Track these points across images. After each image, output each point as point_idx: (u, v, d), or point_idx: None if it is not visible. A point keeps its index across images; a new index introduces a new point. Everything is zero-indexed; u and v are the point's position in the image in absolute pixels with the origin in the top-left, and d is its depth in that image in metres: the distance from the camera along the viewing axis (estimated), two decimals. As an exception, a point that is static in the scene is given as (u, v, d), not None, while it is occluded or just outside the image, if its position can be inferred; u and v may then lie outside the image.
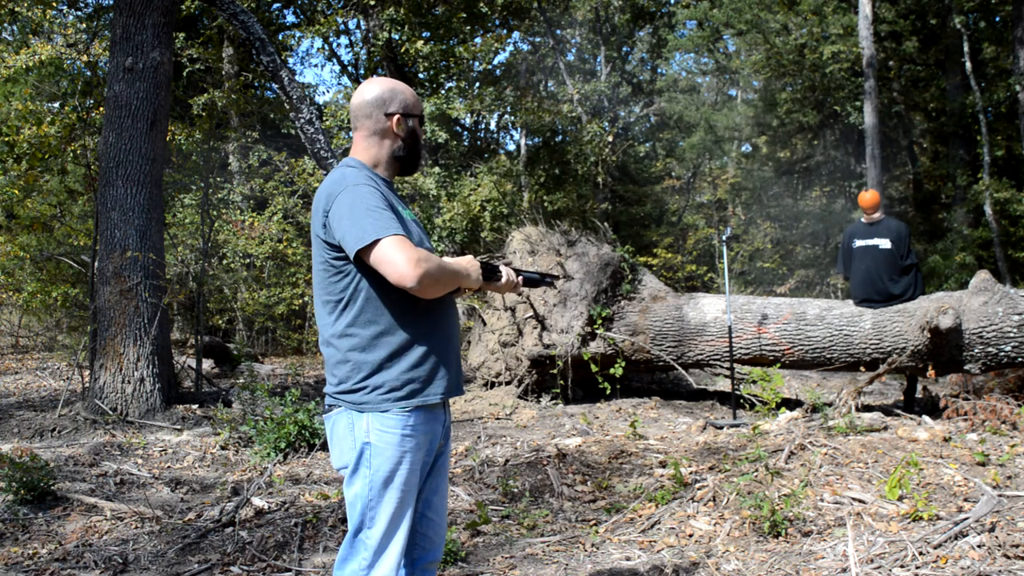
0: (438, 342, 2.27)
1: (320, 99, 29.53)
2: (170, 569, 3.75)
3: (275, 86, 8.13)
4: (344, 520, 4.24)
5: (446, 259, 2.23)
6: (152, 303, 7.05)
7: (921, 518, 3.82)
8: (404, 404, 2.20)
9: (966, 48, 14.07)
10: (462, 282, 2.27)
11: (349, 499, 2.24)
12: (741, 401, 7.35)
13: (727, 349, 7.49)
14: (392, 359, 2.21)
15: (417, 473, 2.25)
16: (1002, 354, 6.63)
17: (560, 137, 19.96)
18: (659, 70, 23.58)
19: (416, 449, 2.22)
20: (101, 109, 8.89)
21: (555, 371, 7.89)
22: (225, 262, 13.71)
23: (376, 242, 2.10)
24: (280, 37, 16.20)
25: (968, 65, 14.06)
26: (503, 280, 2.41)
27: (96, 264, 7.56)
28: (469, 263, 2.32)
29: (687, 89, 24.08)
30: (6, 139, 9.76)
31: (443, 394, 2.27)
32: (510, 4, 16.79)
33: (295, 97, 7.47)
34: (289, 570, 3.72)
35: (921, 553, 3.44)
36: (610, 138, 18.92)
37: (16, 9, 11.11)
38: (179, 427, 6.68)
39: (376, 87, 2.35)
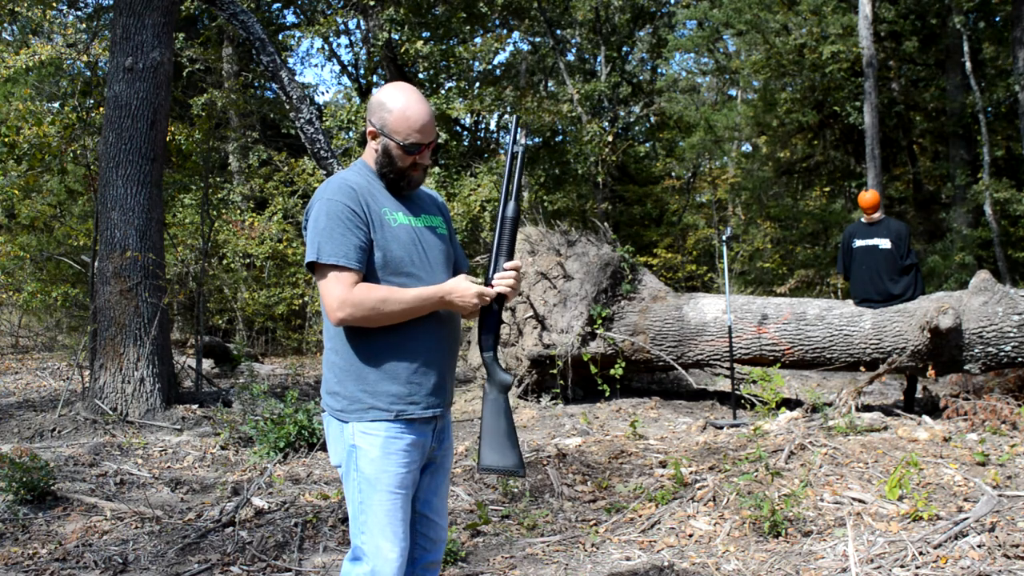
0: (417, 356, 2.21)
1: (320, 99, 29.56)
2: (170, 569, 3.74)
3: (275, 86, 8.13)
4: (344, 520, 4.24)
5: (406, 298, 2.13)
6: (152, 303, 7.05)
7: (921, 518, 3.82)
8: (379, 415, 2.19)
9: (966, 48, 14.05)
10: (425, 311, 2.17)
11: (347, 502, 2.26)
12: (741, 401, 7.35)
13: (727, 349, 7.49)
14: (368, 370, 2.19)
15: (409, 476, 2.22)
16: (1002, 354, 6.63)
17: (560, 137, 19.95)
18: (659, 70, 23.56)
19: (404, 451, 2.20)
20: (101, 109, 8.89)
21: (555, 371, 7.88)
22: (225, 262, 13.70)
23: (320, 265, 2.13)
24: (280, 37, 16.20)
25: (968, 65, 14.05)
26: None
27: (96, 264, 7.56)
28: (450, 290, 2.18)
29: (687, 89, 24.05)
30: (6, 139, 9.75)
31: (423, 409, 2.22)
32: (510, 4, 16.79)
33: (295, 97, 7.47)
34: (289, 570, 3.72)
35: (921, 553, 3.44)
36: (610, 138, 18.91)
37: (16, 9, 11.10)
38: (179, 427, 6.68)
39: (380, 92, 2.28)
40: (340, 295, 2.11)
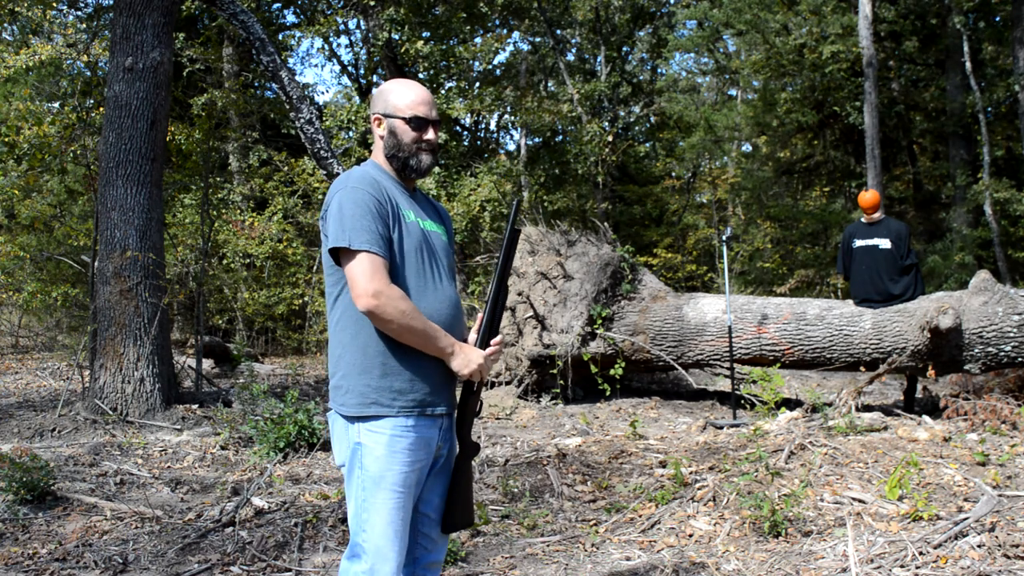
0: (422, 355, 2.21)
1: (320, 99, 29.60)
2: (170, 569, 3.74)
3: (275, 86, 8.13)
4: (344, 520, 4.24)
5: (428, 326, 2.17)
6: (152, 303, 7.05)
7: (921, 518, 3.82)
8: (381, 410, 2.19)
9: (966, 48, 14.06)
10: (430, 351, 2.21)
11: (348, 499, 2.25)
12: (741, 401, 7.35)
13: (727, 349, 7.49)
14: (373, 366, 2.19)
15: (413, 475, 2.22)
16: (1002, 354, 6.63)
17: (560, 137, 19.95)
18: (659, 70, 23.58)
19: (409, 450, 2.20)
20: (101, 109, 8.89)
21: (555, 371, 7.88)
22: (225, 262, 13.71)
23: (351, 251, 2.13)
24: (280, 37, 16.20)
25: (968, 65, 14.05)
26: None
27: (96, 264, 7.56)
28: (459, 354, 2.23)
29: (687, 89, 24.07)
30: (6, 139, 9.75)
31: (425, 407, 2.22)
32: (510, 4, 16.79)
33: (295, 97, 7.47)
34: (289, 570, 3.72)
35: (921, 553, 3.44)
36: (610, 138, 18.90)
37: (16, 9, 11.10)
38: (179, 427, 6.68)
39: (380, 86, 2.37)
40: (378, 284, 2.11)
